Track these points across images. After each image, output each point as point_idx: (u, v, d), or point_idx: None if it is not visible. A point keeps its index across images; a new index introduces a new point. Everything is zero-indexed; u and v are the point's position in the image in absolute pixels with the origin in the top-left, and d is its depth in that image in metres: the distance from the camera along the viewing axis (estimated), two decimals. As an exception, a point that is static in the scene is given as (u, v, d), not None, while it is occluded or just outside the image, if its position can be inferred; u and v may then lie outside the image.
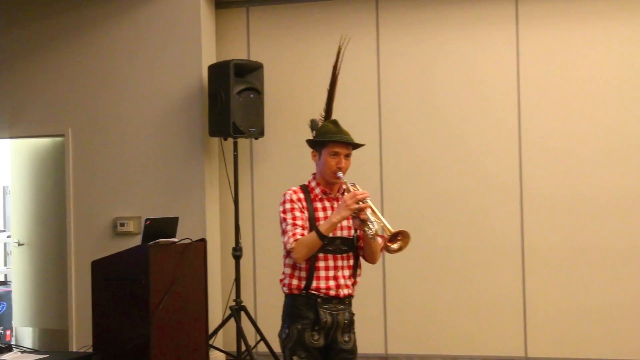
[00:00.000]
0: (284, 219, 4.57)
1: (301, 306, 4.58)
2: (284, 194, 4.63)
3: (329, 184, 4.66)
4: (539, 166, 7.67)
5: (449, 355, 7.83)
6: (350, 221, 4.57)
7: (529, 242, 7.69)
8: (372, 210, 4.43)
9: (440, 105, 7.91)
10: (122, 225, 8.06)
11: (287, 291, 4.65)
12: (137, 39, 8.17)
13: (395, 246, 4.37)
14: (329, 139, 4.61)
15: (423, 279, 7.91)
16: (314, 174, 4.72)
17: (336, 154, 4.60)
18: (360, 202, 4.40)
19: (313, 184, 4.69)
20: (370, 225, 4.40)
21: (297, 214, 4.57)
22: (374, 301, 7.97)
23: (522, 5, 7.72)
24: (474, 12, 7.85)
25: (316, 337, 4.57)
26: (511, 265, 7.72)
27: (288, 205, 4.59)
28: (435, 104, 7.92)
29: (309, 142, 4.72)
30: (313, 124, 4.81)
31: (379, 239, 4.53)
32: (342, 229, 4.60)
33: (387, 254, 7.67)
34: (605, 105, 7.55)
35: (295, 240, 4.49)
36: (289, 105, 8.03)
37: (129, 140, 8.15)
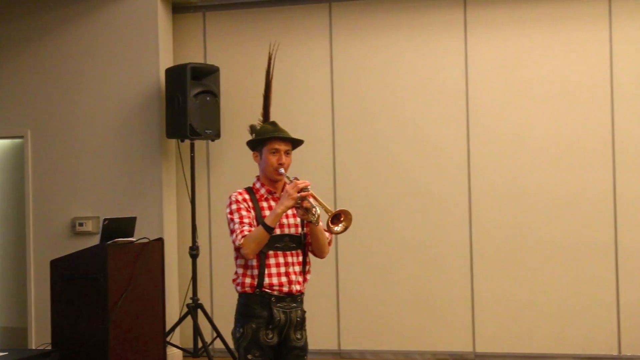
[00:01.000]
0: (232, 219, 4.63)
1: (255, 305, 4.62)
2: (230, 197, 4.70)
3: (273, 183, 4.73)
4: (487, 165, 7.82)
5: (400, 351, 7.96)
6: (297, 219, 4.68)
7: (477, 239, 7.83)
8: (315, 198, 4.53)
9: (391, 107, 8.04)
10: (80, 225, 8.10)
11: (240, 290, 4.67)
12: (95, 42, 8.22)
13: (339, 228, 4.48)
14: (266, 136, 4.71)
15: (375, 276, 8.03)
16: (258, 176, 4.79)
17: (276, 151, 4.68)
18: (302, 191, 4.50)
19: (258, 185, 4.76)
20: (314, 211, 4.49)
21: (244, 213, 4.63)
22: (328, 298, 8.07)
23: (470, 12, 7.92)
24: (424, 18, 7.99)
25: (270, 336, 4.62)
26: (460, 262, 7.86)
27: (234, 206, 4.65)
28: (387, 107, 8.05)
29: (248, 143, 4.78)
30: (252, 129, 4.85)
31: (327, 234, 4.69)
32: (289, 226, 4.69)
33: (339, 251, 7.93)
34: (550, 106, 7.72)
35: (244, 236, 4.55)
36: (245, 107, 8.08)
37: (88, 142, 8.20)
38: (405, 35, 8.05)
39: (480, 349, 7.85)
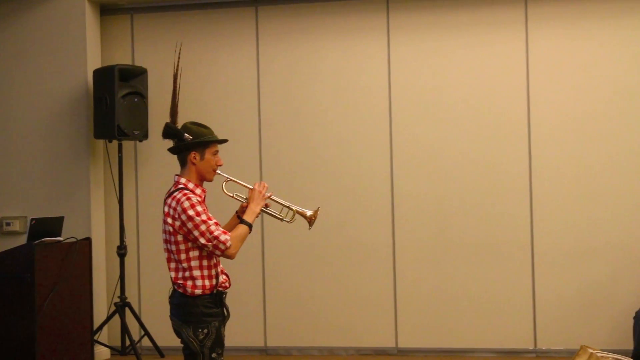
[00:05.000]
0: (202, 222, 4.61)
1: (212, 304, 4.71)
2: (187, 199, 4.64)
3: (202, 184, 4.84)
4: (409, 166, 7.98)
5: (325, 347, 8.08)
6: None
7: (400, 238, 7.98)
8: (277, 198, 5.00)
9: (317, 108, 8.16)
10: (7, 224, 8.06)
11: (199, 292, 4.67)
12: (22, 44, 8.19)
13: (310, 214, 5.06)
14: (210, 139, 4.80)
15: (301, 273, 8.15)
16: (179, 175, 4.82)
17: (217, 153, 4.84)
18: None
19: (191, 185, 4.77)
20: (275, 211, 4.99)
21: (209, 214, 4.69)
22: (254, 295, 8.16)
23: (393, 17, 8.06)
24: (349, 22, 8.13)
25: (224, 332, 4.78)
26: (383, 259, 8.01)
27: (199, 208, 4.64)
28: (313, 108, 8.17)
29: (192, 143, 4.74)
30: (170, 128, 4.85)
31: None
32: (216, 224, 4.74)
33: (265, 248, 8.07)
34: (469, 110, 7.90)
35: (231, 237, 4.66)
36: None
37: (16, 142, 8.18)
38: (330, 39, 8.18)
39: (403, 344, 8.01)
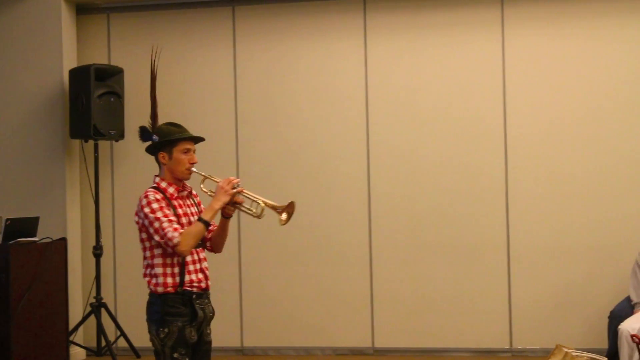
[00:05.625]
0: (156, 219, 4.60)
1: (177, 304, 4.64)
2: (145, 197, 4.66)
3: (179, 182, 4.80)
4: (385, 167, 8.02)
5: (302, 347, 8.11)
6: None
7: (376, 238, 8.01)
8: (248, 193, 4.75)
9: (293, 108, 8.19)
10: (-18, 225, 8.07)
11: (161, 290, 4.65)
12: (-2, 42, 8.19)
13: (284, 216, 4.78)
14: (175, 137, 4.76)
15: (278, 273, 8.17)
16: (158, 176, 4.81)
17: (188, 151, 4.76)
18: (235, 187, 4.68)
19: (164, 184, 4.76)
20: (248, 206, 4.78)
21: (167, 211, 4.63)
22: (231, 295, 8.17)
23: (370, 18, 8.09)
24: (326, 23, 8.17)
25: (193, 333, 4.67)
26: (360, 259, 8.04)
27: (155, 205, 4.63)
28: (290, 108, 8.20)
29: (159, 143, 4.76)
30: (144, 130, 4.85)
31: None
32: None
33: (242, 248, 8.06)
34: (445, 111, 7.95)
35: (180, 233, 4.58)
36: (149, 108, 8.05)
37: (-10, 141, 8.15)
38: (307, 39, 8.21)
39: (379, 344, 8.05)
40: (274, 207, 4.77)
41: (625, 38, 7.77)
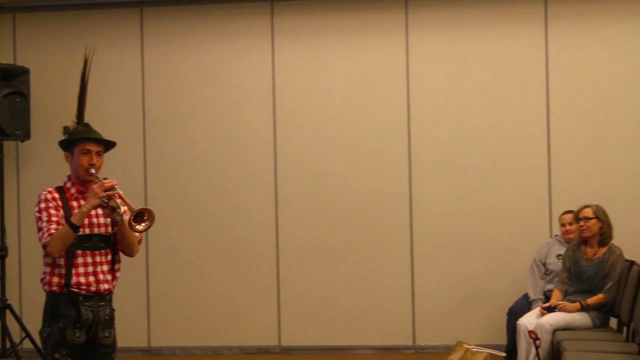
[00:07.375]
0: (39, 218, 4.58)
1: (62, 304, 4.60)
2: (39, 195, 4.65)
3: (84, 183, 4.70)
4: (293, 169, 8.14)
5: (209, 346, 8.18)
6: (108, 219, 4.67)
7: (283, 238, 8.13)
8: (121, 197, 4.57)
9: (202, 110, 8.26)
10: None
11: (48, 289, 4.63)
12: None
13: (141, 227, 4.55)
14: (78, 137, 4.72)
15: (185, 274, 8.22)
16: (69, 175, 4.76)
17: (87, 152, 4.68)
18: (109, 190, 4.54)
19: (68, 184, 4.73)
20: (119, 211, 4.55)
21: (52, 211, 4.59)
22: (138, 295, 8.19)
23: (277, 21, 8.19)
24: (234, 24, 8.24)
25: (77, 334, 4.61)
26: (267, 260, 8.15)
27: (43, 205, 4.60)
28: (198, 109, 8.26)
29: (60, 143, 4.75)
30: (65, 130, 4.85)
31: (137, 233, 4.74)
32: (99, 226, 4.68)
33: (149, 249, 8.04)
34: (347, 114, 8.11)
35: (50, 234, 4.51)
36: (56, 109, 8.06)
37: None
38: (216, 41, 8.27)
39: (286, 342, 8.16)
40: (129, 217, 4.57)
41: (525, 42, 8.00)
